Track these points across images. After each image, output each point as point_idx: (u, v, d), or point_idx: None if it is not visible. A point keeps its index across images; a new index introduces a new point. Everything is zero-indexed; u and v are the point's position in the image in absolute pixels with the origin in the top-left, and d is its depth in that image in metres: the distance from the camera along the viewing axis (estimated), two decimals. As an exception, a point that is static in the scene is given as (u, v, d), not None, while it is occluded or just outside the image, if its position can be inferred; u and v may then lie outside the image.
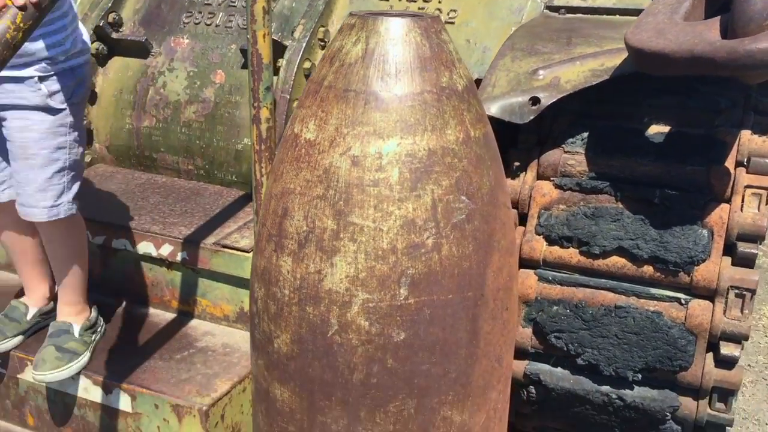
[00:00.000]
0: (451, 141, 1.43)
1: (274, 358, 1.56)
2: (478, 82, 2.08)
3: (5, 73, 1.88)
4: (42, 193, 2.01)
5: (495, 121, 1.97)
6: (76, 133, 2.07)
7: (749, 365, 3.60)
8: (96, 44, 2.81)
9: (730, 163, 1.88)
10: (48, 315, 2.25)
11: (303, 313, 1.47)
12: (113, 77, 2.88)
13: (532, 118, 1.91)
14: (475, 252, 1.46)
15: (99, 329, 2.23)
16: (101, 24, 2.81)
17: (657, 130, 1.97)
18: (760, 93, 2.11)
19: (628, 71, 1.88)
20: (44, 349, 2.08)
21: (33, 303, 2.24)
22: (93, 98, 2.87)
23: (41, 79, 1.97)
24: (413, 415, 1.50)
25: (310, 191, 1.44)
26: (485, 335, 1.52)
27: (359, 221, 1.41)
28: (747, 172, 1.87)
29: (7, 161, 2.07)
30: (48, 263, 2.20)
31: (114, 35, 2.85)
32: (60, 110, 2.01)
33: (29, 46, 1.91)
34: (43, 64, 1.96)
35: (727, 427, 1.90)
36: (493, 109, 1.92)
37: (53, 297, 2.27)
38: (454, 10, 2.56)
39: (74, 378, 2.10)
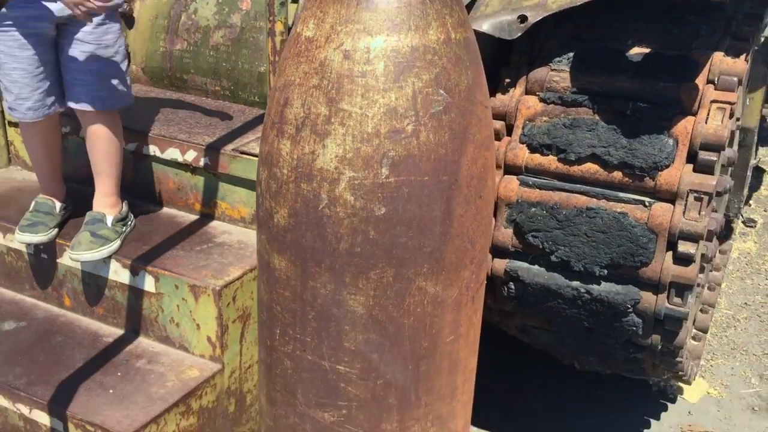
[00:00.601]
0: (432, 40, 1.61)
1: (274, 232, 1.77)
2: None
3: None
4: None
5: (490, 42, 2.15)
6: None
7: (746, 303, 3.75)
8: (134, -28, 3.03)
9: (701, 81, 2.02)
10: (67, 209, 2.53)
11: (298, 189, 1.68)
12: (150, 3, 3.09)
13: (519, 35, 2.07)
14: (450, 140, 1.64)
15: (129, 223, 2.48)
16: (139, -48, 3.02)
17: (639, 51, 2.13)
18: (743, 23, 2.25)
19: (611, -6, 2.04)
20: (80, 234, 2.34)
21: (56, 198, 2.50)
22: (131, 23, 3.09)
23: None
24: (391, 282, 1.70)
25: (307, 82, 1.63)
26: (458, 217, 1.71)
27: (348, 108, 1.60)
28: (715, 89, 2.02)
29: (58, 77, 2.31)
30: (61, 165, 2.51)
31: (150, -37, 3.06)
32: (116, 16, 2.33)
33: None
34: None
35: (688, 328, 2.08)
36: (485, 26, 2.09)
37: (67, 194, 2.55)
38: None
39: (105, 261, 2.36)
